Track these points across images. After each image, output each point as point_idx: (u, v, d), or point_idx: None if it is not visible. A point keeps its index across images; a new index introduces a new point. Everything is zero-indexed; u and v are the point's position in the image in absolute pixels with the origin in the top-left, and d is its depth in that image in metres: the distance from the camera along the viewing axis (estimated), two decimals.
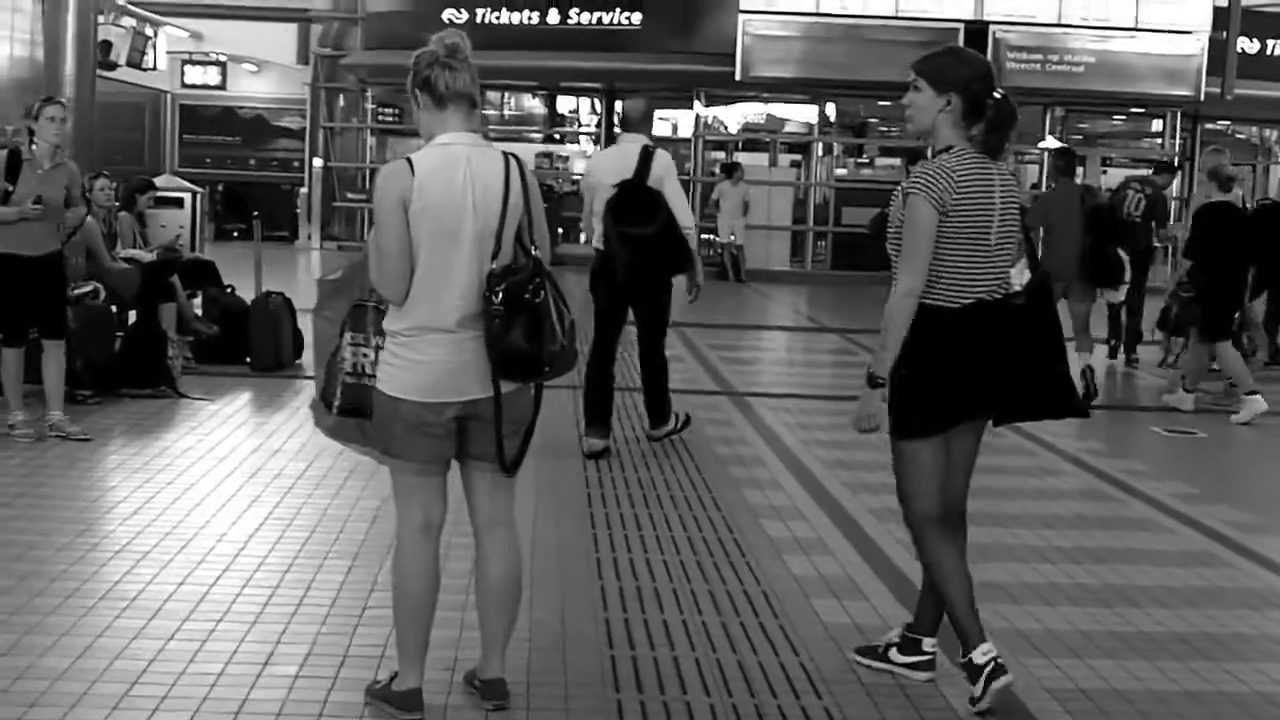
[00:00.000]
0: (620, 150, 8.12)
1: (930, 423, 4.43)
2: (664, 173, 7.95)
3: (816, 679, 4.66)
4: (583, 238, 8.28)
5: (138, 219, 11.33)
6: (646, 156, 7.90)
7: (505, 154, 4.21)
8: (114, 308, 9.79)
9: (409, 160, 4.10)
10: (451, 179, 4.07)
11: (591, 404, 8.11)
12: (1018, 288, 4.49)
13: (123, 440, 7.93)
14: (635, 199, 7.76)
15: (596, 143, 23.79)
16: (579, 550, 6.02)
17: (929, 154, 4.64)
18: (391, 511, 4.29)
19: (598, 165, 8.42)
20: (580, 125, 25.92)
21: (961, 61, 4.50)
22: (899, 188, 4.47)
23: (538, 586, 5.36)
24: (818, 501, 7.08)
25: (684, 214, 7.97)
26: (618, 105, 23.59)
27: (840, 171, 24.83)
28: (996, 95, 4.41)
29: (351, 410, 4.32)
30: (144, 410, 8.68)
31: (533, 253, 4.19)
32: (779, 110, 24.90)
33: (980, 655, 4.41)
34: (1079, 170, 12.17)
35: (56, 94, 10.81)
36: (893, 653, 4.76)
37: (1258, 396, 10.33)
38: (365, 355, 4.32)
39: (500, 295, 4.02)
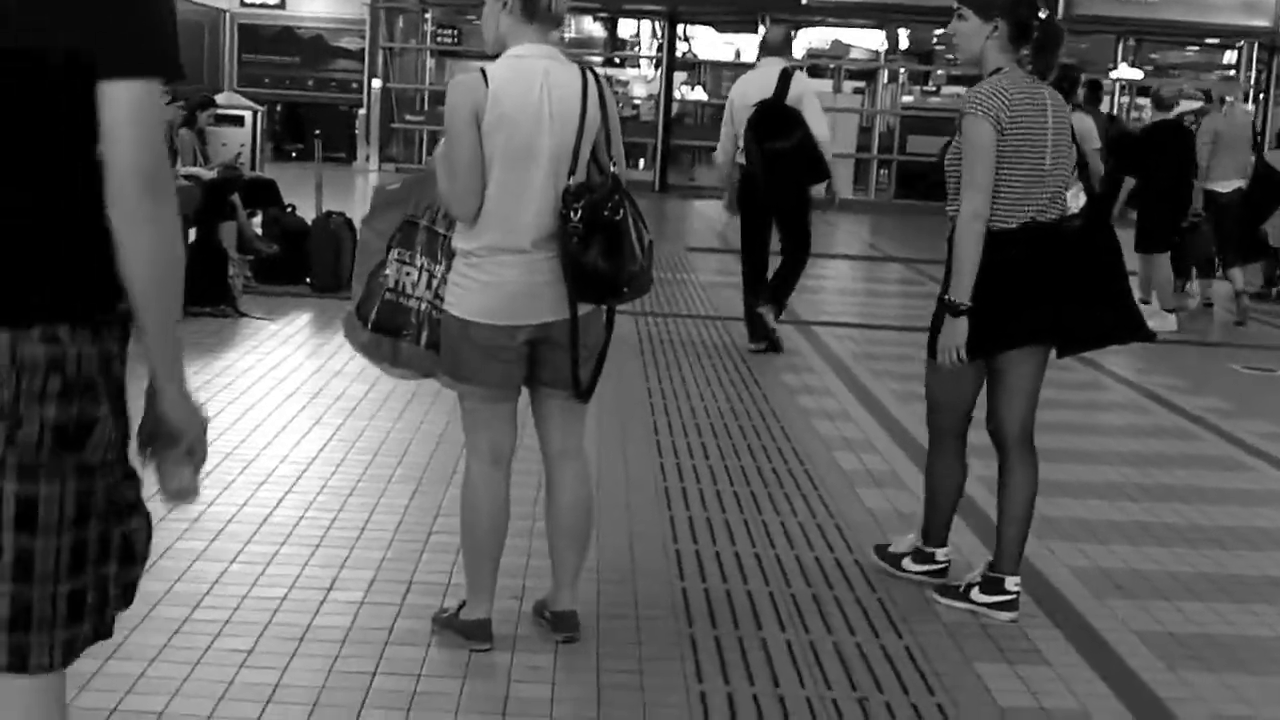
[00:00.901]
0: (761, 73, 8.77)
1: (974, 345, 4.41)
2: (802, 92, 8.59)
3: (895, 617, 4.51)
4: (717, 153, 9.25)
5: (198, 136, 11.21)
6: (785, 78, 8.52)
7: (583, 67, 4.02)
8: None
9: (483, 71, 3.92)
10: (528, 92, 3.88)
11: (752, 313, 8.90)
12: (1074, 211, 4.44)
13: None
14: (774, 116, 8.38)
15: (657, 67, 23.47)
16: (647, 481, 5.88)
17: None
18: (455, 436, 4.16)
19: (741, 86, 8.94)
20: (640, 49, 25.60)
21: None
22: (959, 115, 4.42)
23: (606, 517, 5.22)
24: (889, 433, 6.90)
25: (821, 130, 8.52)
26: (679, 28, 23.26)
27: (906, 99, 24.39)
28: (1042, 16, 4.42)
29: (384, 328, 4.17)
30: (204, 329, 8.58)
31: (611, 170, 4.01)
32: (845, 35, 24.44)
33: (942, 555, 4.80)
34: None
35: None
36: (974, 592, 4.63)
37: (1171, 317, 10.65)
38: (408, 274, 4.18)
39: (579, 212, 3.85)
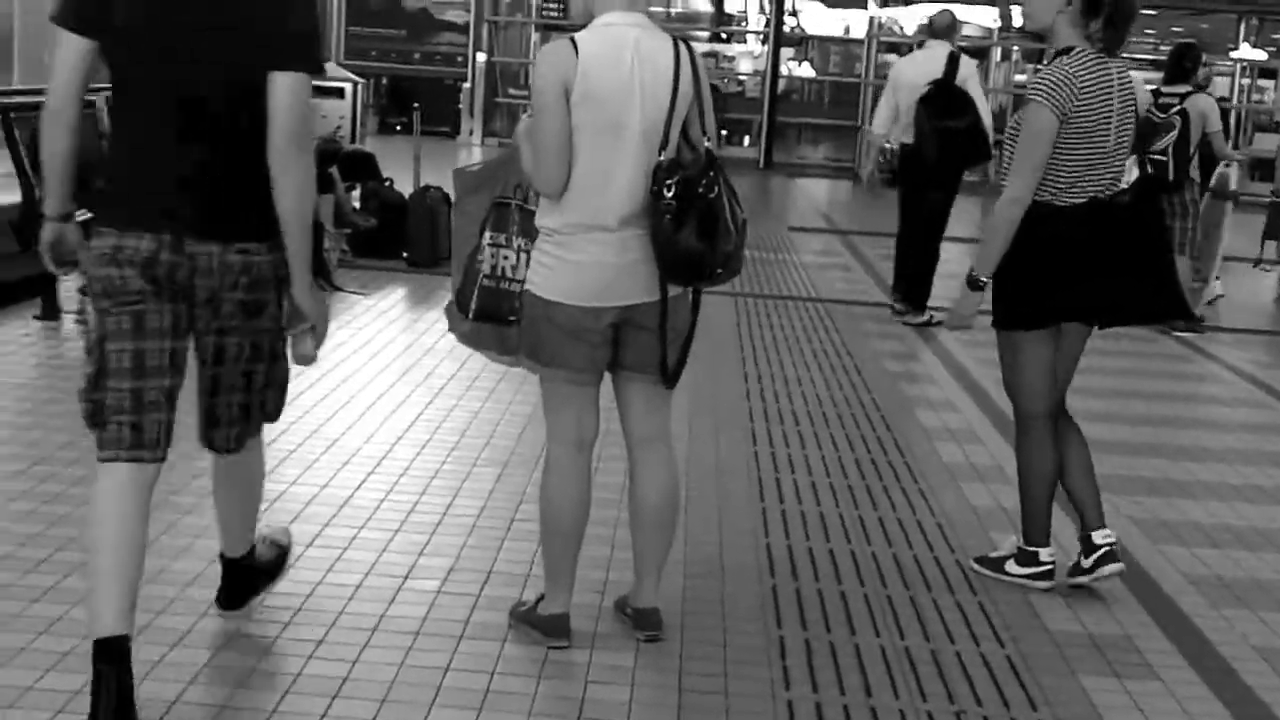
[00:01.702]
0: (928, 54, 9.22)
1: (1040, 314, 4.43)
2: (969, 75, 9.04)
3: (998, 624, 4.26)
4: (875, 126, 9.74)
5: None
6: (954, 60, 8.96)
7: (674, 37, 3.81)
8: None
9: (573, 40, 3.72)
10: (618, 63, 3.68)
11: (911, 284, 9.22)
12: (1124, 186, 4.45)
13: None
14: (947, 96, 8.84)
15: (764, 42, 23.14)
16: (739, 470, 5.66)
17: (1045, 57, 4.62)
18: (543, 419, 3.97)
19: (906, 67, 9.43)
20: (747, 24, 25.27)
21: None
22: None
23: (694, 508, 5.03)
24: (995, 424, 6.60)
25: (986, 113, 9.04)
26: (787, 3, 22.91)
27: (1019, 78, 23.81)
28: None
29: (488, 316, 4.01)
30: None
31: (705, 145, 3.81)
32: (958, 12, 23.89)
33: (1046, 555, 4.55)
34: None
35: None
36: (1009, 564, 4.62)
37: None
38: (506, 257, 4.01)
39: (671, 189, 3.65)
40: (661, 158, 3.72)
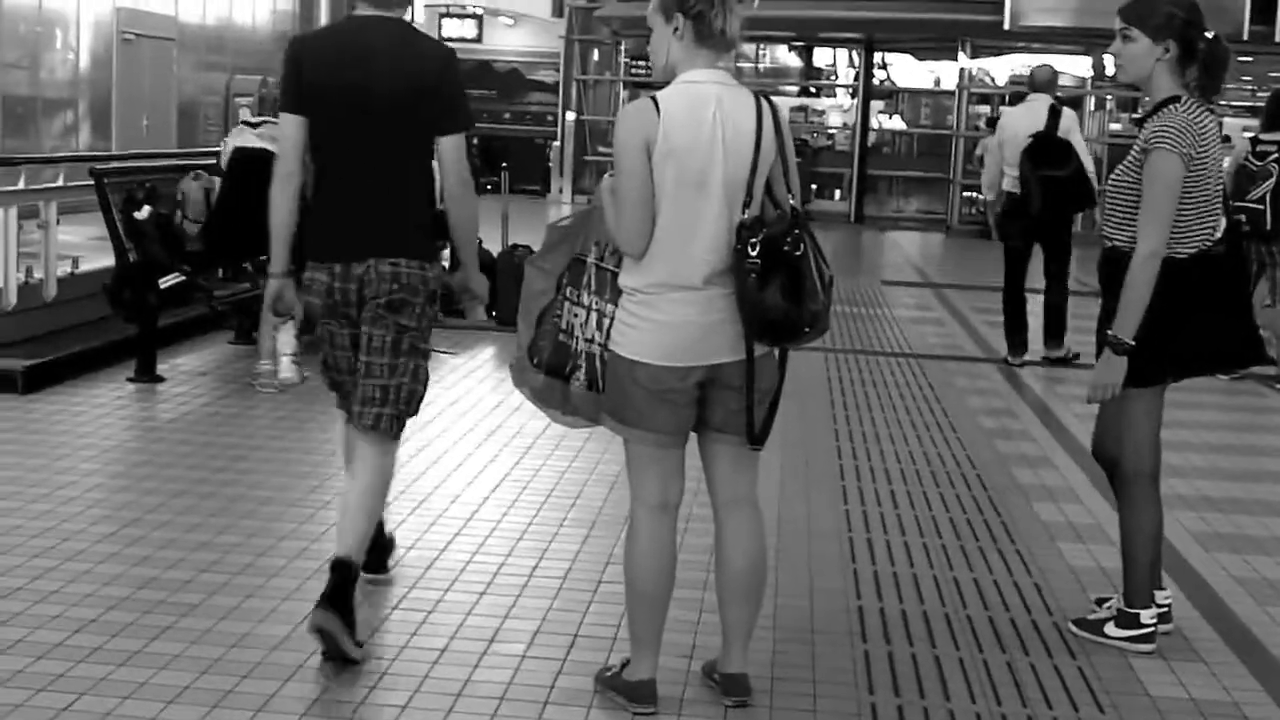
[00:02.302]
0: (1029, 108, 9.59)
1: (1155, 369, 4.33)
2: (1070, 125, 9.45)
3: (1098, 689, 4.12)
4: (985, 189, 10.59)
5: None
6: (1055, 113, 9.33)
7: (757, 94, 3.76)
8: None
9: (654, 99, 3.69)
10: (700, 120, 3.64)
11: (1012, 328, 9.72)
12: (1217, 235, 4.35)
13: None
14: (1050, 147, 9.21)
15: (854, 96, 23.07)
16: (830, 530, 5.56)
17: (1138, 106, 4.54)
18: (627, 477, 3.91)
19: (1010, 121, 9.83)
20: (836, 78, 25.23)
21: (1172, 3, 4.30)
22: (1138, 143, 4.31)
23: (784, 569, 4.93)
24: (1094, 483, 6.42)
25: (1087, 162, 9.46)
26: (877, 56, 22.85)
27: (1114, 127, 23.51)
28: (1208, 36, 4.31)
29: (554, 371, 3.96)
30: None
31: (789, 202, 3.75)
32: (1050, 62, 23.69)
33: (1148, 617, 4.41)
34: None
35: None
36: (1109, 627, 4.45)
37: None
38: (575, 315, 3.96)
39: (756, 248, 3.59)
40: (745, 215, 3.67)
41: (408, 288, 4.20)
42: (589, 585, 4.78)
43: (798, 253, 3.64)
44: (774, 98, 3.84)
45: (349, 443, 4.45)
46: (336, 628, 3.99)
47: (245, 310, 8.44)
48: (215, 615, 4.36)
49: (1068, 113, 9.53)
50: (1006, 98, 23.45)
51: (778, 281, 3.61)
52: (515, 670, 4.07)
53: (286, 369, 7.65)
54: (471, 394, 7.88)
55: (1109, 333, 4.27)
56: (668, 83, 3.76)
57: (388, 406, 4.23)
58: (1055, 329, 9.76)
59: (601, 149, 23.75)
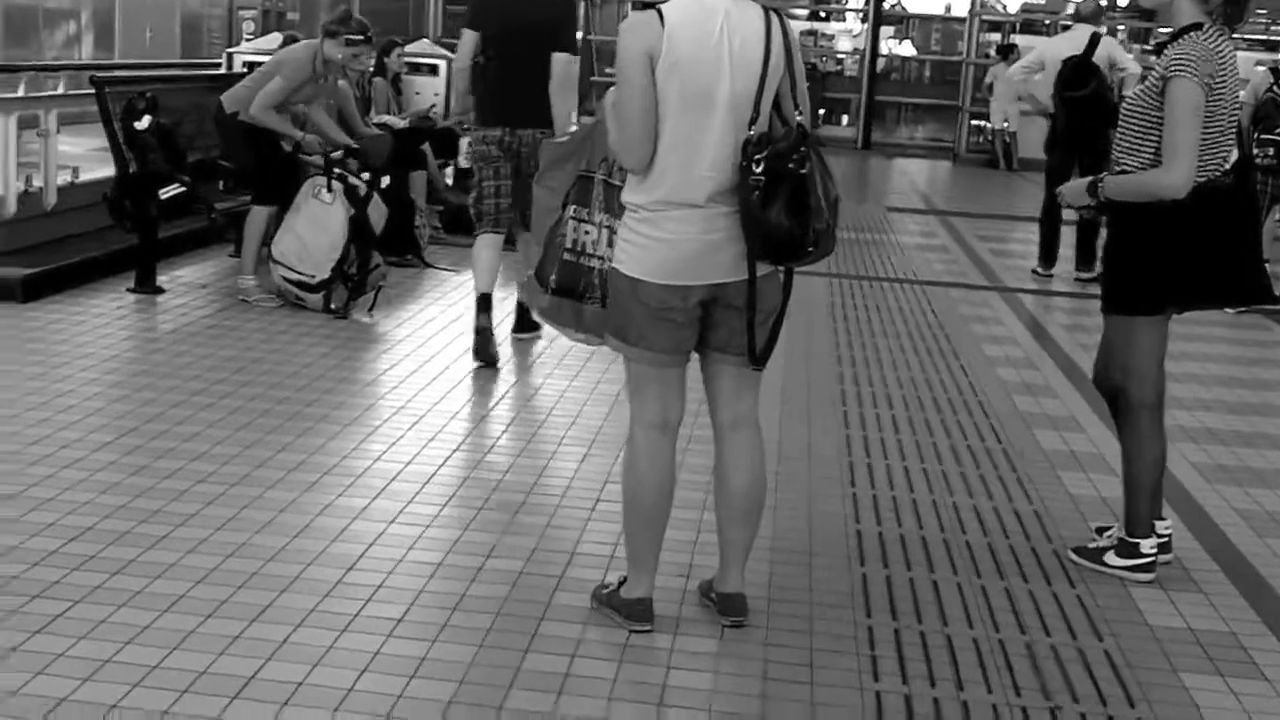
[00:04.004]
0: (1071, 36, 10.19)
1: (1159, 298, 4.34)
2: (1110, 50, 9.91)
3: (1096, 617, 4.10)
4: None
5: (393, 85, 11.14)
6: (1094, 40, 9.80)
7: (766, 8, 3.68)
8: (366, 174, 9.58)
9: (658, 10, 3.61)
10: (706, 33, 3.57)
11: (1046, 243, 10.20)
12: (1228, 167, 4.30)
13: (365, 311, 7.71)
14: (1076, 71, 9.71)
15: (864, 20, 22.83)
16: (829, 453, 5.53)
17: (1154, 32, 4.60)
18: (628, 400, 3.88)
19: (1051, 48, 10.37)
20: (847, 2, 24.96)
21: None
22: (1154, 72, 4.25)
23: (783, 491, 4.91)
24: (1096, 412, 6.39)
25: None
26: None
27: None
28: None
29: (566, 291, 3.92)
30: (389, 278, 8.44)
31: (796, 119, 3.68)
32: None
33: (1148, 547, 4.40)
34: None
35: None
36: (1109, 556, 4.45)
37: None
38: (587, 232, 3.92)
39: (761, 165, 3.53)
40: (751, 132, 3.60)
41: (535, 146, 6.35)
42: (586, 505, 4.76)
43: (803, 170, 3.58)
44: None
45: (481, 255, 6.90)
46: (488, 326, 6.61)
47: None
48: (211, 525, 4.34)
49: (1107, 39, 9.94)
50: (1017, 25, 23.27)
51: (782, 199, 3.55)
52: (511, 586, 4.05)
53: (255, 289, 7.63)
54: (472, 312, 7.80)
55: (1099, 183, 4.34)
56: None
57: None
58: (1086, 250, 9.93)
59: (608, 70, 23.52)
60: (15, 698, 3.23)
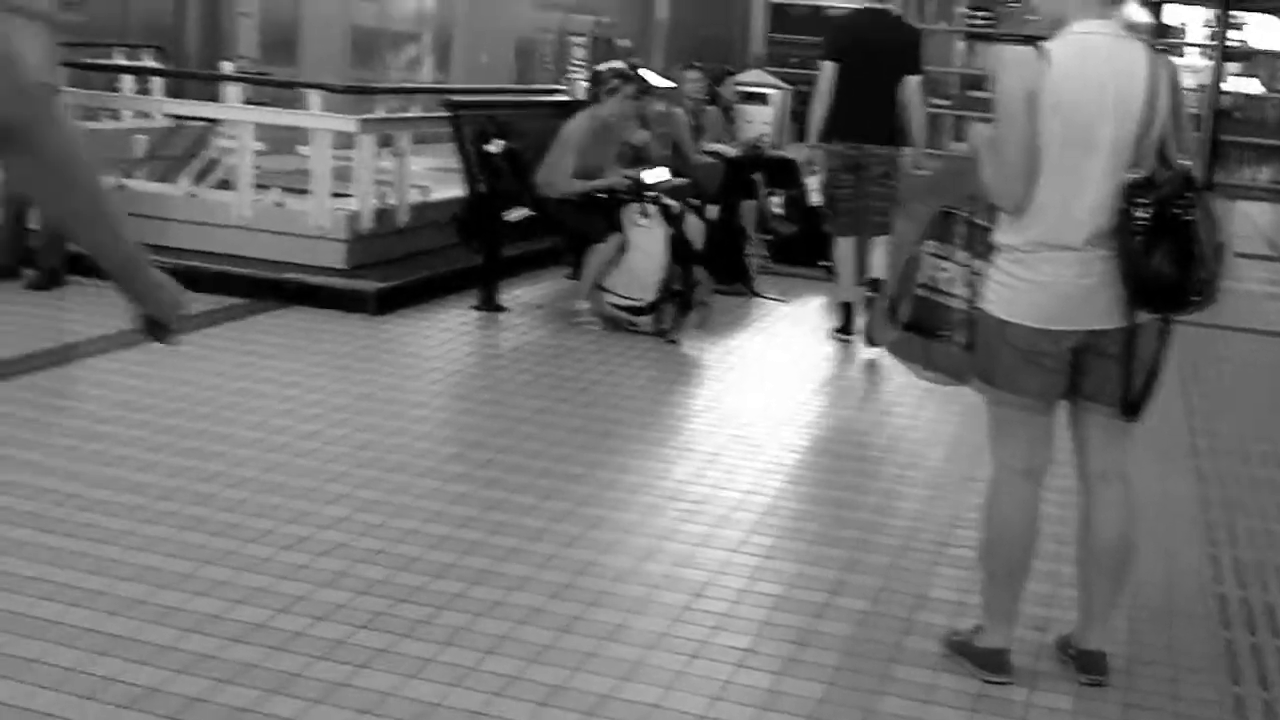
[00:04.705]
0: None
1: None
2: None
3: None
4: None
5: (725, 113, 11.25)
6: None
7: (1149, 47, 3.54)
8: (697, 201, 9.71)
9: (1042, 48, 3.52)
10: (1089, 73, 3.46)
11: None
12: None
13: (695, 335, 7.78)
14: None
15: (1208, 56, 21.88)
16: (1185, 509, 5.28)
17: None
18: (972, 439, 3.80)
19: None
20: (1189, 37, 23.99)
21: None
22: None
23: (1140, 547, 4.70)
24: None
25: None
26: (1234, 15, 21.61)
27: None
28: None
29: (916, 326, 3.84)
30: (719, 306, 8.48)
31: (1180, 163, 3.53)
32: None
33: None
34: None
35: None
36: None
37: None
38: (943, 270, 3.83)
39: (1145, 209, 3.40)
40: (1134, 175, 3.48)
41: (889, 161, 7.57)
42: (935, 548, 4.67)
43: (1188, 217, 3.43)
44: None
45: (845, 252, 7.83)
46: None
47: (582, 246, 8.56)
48: (559, 542, 4.44)
49: None
50: None
51: (1165, 246, 3.41)
52: (858, 624, 4.01)
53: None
54: (800, 343, 7.82)
55: None
56: (1030, 37, 3.59)
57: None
58: None
59: (936, 101, 23.24)
60: (390, 699, 3.36)
